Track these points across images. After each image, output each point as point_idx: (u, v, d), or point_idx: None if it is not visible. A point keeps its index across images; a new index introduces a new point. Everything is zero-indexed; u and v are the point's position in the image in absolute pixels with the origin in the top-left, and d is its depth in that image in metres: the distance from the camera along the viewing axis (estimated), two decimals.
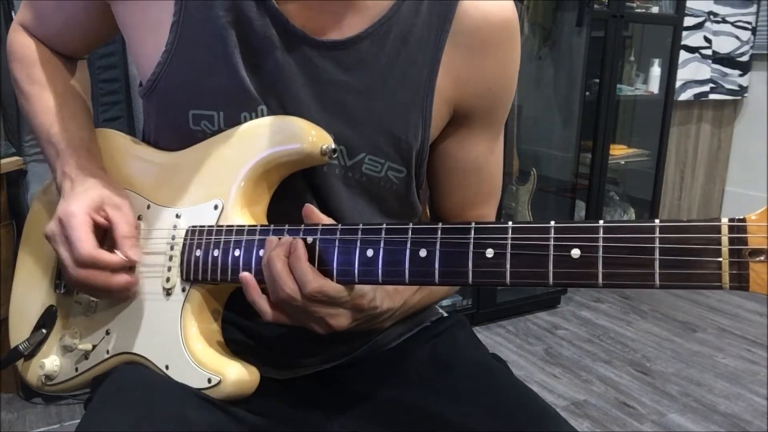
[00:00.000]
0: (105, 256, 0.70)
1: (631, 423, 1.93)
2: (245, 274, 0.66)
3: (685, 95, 3.26)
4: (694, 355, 2.36)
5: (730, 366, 2.29)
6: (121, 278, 0.72)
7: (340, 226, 0.64)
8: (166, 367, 0.71)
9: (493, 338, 2.45)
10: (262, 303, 0.65)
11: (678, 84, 3.09)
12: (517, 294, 2.63)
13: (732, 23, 3.33)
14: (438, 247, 0.59)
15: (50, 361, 0.81)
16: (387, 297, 0.69)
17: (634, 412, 1.99)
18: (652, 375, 2.21)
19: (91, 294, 0.78)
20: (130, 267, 0.73)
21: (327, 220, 0.66)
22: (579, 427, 1.83)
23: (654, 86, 3.00)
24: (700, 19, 3.22)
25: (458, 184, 0.83)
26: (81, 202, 0.72)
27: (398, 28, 0.73)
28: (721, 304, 2.82)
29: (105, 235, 0.74)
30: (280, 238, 0.65)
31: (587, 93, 2.70)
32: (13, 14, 1.80)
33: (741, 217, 0.48)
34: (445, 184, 0.83)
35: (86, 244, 0.70)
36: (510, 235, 0.56)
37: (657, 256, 0.50)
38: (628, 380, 2.17)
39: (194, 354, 0.70)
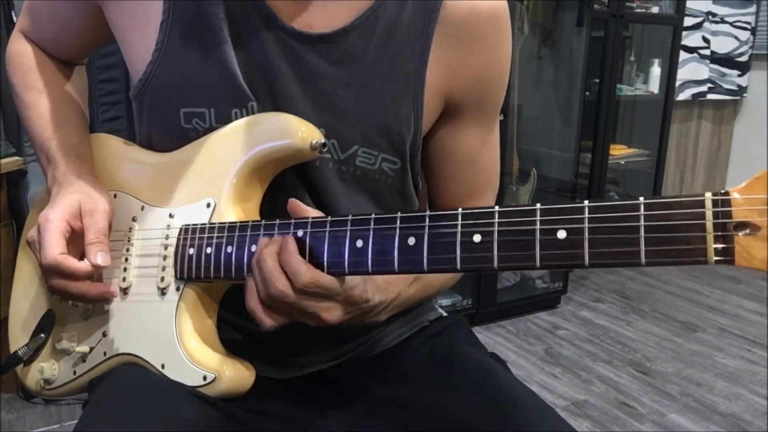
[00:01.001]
0: (68, 262, 0.70)
1: (631, 423, 1.93)
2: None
3: (683, 95, 3.26)
4: (694, 355, 2.36)
5: (730, 366, 2.29)
6: (95, 288, 0.73)
7: (329, 219, 0.64)
8: (162, 366, 0.71)
9: (493, 338, 2.45)
10: (260, 312, 0.65)
11: (676, 84, 3.09)
12: (517, 294, 2.63)
13: (731, 23, 3.33)
14: (426, 234, 0.59)
15: (49, 366, 0.81)
16: (378, 290, 0.69)
17: (634, 412, 1.99)
18: (652, 375, 2.21)
19: (71, 300, 0.78)
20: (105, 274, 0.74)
21: (314, 212, 0.66)
22: (579, 427, 1.83)
23: (654, 86, 3.00)
24: (699, 19, 3.22)
25: (453, 176, 0.83)
26: (59, 208, 0.73)
27: (385, 19, 0.73)
28: (721, 304, 2.82)
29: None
30: (271, 238, 0.65)
31: (587, 93, 2.70)
32: (13, 15, 1.80)
33: (725, 190, 0.47)
34: (440, 177, 0.83)
35: (52, 248, 0.70)
36: (497, 220, 0.56)
37: (642, 233, 0.50)
38: (628, 380, 2.17)
39: (189, 352, 0.70)
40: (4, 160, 1.78)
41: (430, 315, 0.89)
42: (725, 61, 3.37)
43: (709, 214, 0.48)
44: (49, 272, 0.71)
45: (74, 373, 0.80)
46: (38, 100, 0.85)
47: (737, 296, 2.88)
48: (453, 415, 0.73)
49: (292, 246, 0.63)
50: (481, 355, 0.83)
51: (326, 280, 0.62)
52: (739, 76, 3.42)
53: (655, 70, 2.99)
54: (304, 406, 0.79)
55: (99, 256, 0.71)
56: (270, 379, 0.78)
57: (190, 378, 0.69)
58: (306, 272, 0.62)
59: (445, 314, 0.91)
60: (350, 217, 0.63)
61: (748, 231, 0.46)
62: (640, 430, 1.90)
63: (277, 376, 0.80)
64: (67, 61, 0.91)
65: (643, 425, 1.92)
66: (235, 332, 0.79)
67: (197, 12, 0.72)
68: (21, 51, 0.88)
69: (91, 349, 0.78)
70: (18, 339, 0.85)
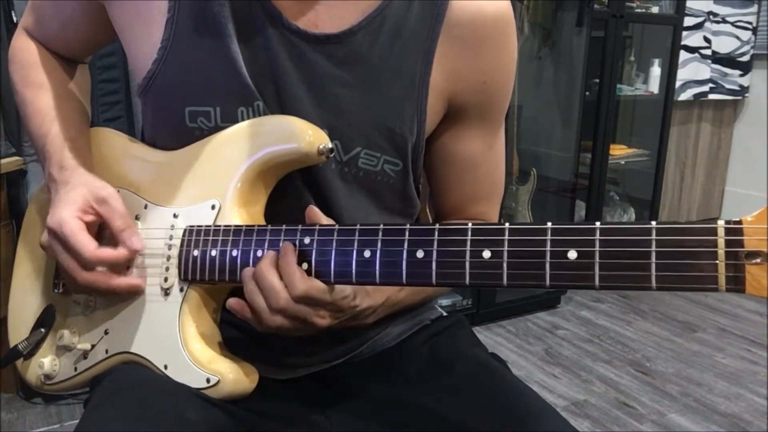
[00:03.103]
0: (110, 253, 0.71)
1: (631, 423, 1.93)
2: (231, 300, 0.67)
3: (685, 95, 3.26)
4: (694, 355, 2.36)
5: (730, 366, 2.29)
6: (122, 282, 0.72)
7: (337, 227, 0.64)
8: (165, 367, 0.71)
9: (493, 338, 2.45)
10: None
11: (677, 84, 3.08)
12: (517, 294, 2.63)
13: (732, 23, 3.33)
14: (435, 248, 0.59)
15: (49, 361, 0.81)
16: (366, 296, 0.70)
17: (634, 412, 1.99)
18: (652, 375, 2.21)
19: (96, 295, 0.78)
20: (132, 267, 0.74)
21: (327, 221, 0.66)
22: (579, 427, 1.82)
23: (654, 86, 2.99)
24: (700, 19, 3.22)
25: (456, 180, 0.83)
26: (67, 207, 0.72)
27: (391, 21, 0.73)
28: (721, 304, 2.81)
29: (100, 233, 0.75)
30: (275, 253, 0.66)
31: (587, 93, 2.70)
32: (13, 14, 1.80)
33: (738, 219, 0.48)
34: (443, 180, 0.84)
35: (88, 246, 0.70)
36: (507, 237, 0.56)
37: (653, 258, 0.50)
38: (628, 380, 2.17)
39: (193, 354, 0.70)
40: (4, 160, 1.78)
41: (430, 314, 0.89)
42: (727, 61, 3.36)
43: (721, 242, 0.48)
44: (87, 270, 0.71)
45: (75, 369, 0.80)
46: (36, 96, 0.85)
47: (737, 296, 2.88)
48: (454, 414, 0.73)
49: (290, 255, 0.64)
50: (482, 354, 0.83)
51: (317, 290, 0.63)
52: (741, 76, 3.42)
53: (655, 70, 2.98)
54: (305, 407, 0.79)
55: (134, 241, 0.72)
56: (271, 380, 0.78)
57: (194, 380, 0.69)
58: (299, 282, 0.63)
59: (445, 314, 0.91)
60: (358, 227, 0.63)
61: (758, 260, 0.47)
62: (640, 430, 1.90)
63: (278, 376, 0.80)
64: (71, 59, 0.91)
65: (643, 425, 1.92)
66: (235, 332, 0.79)
67: (203, 10, 0.72)
68: (23, 48, 0.88)
69: (93, 346, 0.78)
70: (18, 334, 0.85)
